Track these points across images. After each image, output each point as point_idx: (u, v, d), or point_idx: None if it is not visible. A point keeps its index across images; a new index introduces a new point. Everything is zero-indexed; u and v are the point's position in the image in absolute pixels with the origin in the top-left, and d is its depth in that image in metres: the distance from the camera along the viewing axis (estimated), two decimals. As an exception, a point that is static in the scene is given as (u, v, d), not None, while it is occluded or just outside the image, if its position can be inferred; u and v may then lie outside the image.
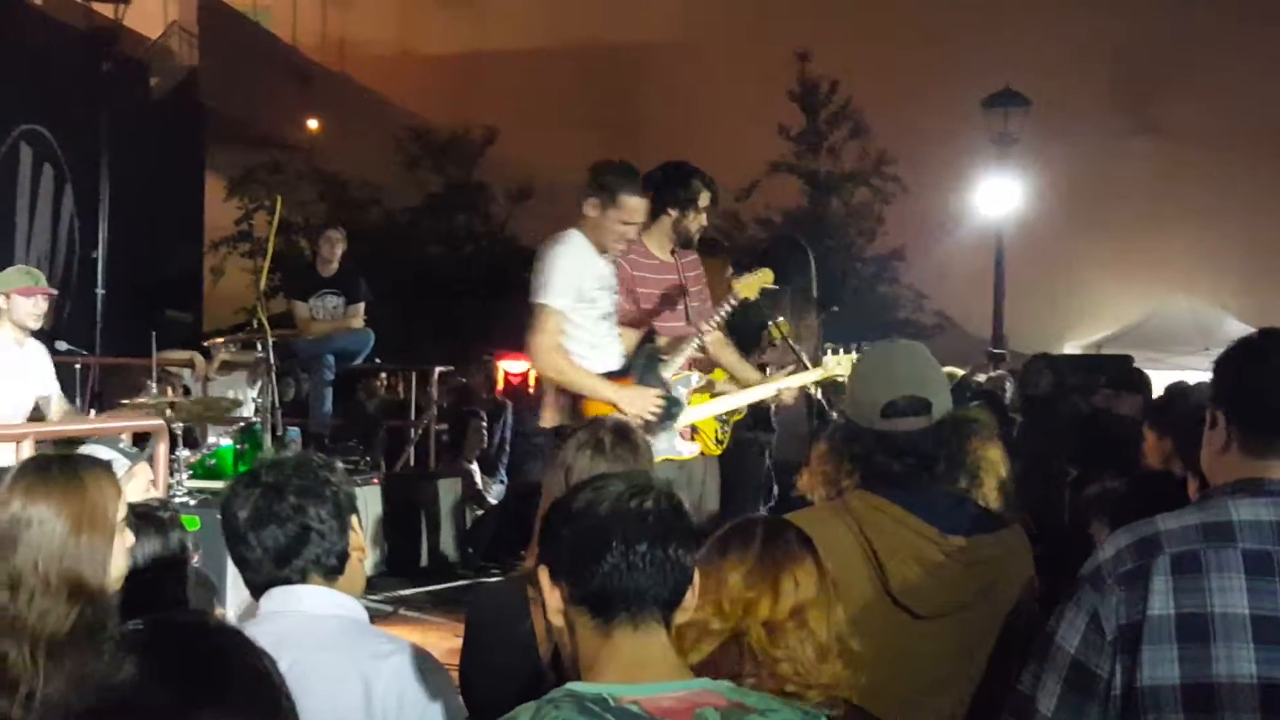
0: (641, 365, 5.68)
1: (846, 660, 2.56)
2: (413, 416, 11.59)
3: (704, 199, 6.25)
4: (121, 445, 4.22)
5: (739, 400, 6.38)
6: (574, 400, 5.54)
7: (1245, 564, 2.41)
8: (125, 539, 3.06)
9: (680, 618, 2.30)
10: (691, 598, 2.30)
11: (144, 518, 3.43)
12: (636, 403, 5.43)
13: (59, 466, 3.02)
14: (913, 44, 26.10)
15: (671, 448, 5.71)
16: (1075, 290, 25.27)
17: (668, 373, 5.75)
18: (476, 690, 3.25)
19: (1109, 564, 2.51)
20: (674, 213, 6.17)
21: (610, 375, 5.58)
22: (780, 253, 7.04)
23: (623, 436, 3.47)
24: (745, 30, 27.19)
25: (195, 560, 3.62)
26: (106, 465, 3.16)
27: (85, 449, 4.17)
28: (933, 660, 2.99)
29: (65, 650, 2.79)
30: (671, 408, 5.63)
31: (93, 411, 7.91)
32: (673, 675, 2.24)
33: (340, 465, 3.09)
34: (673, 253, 6.27)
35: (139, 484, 4.14)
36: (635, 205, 5.63)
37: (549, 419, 5.61)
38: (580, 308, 5.57)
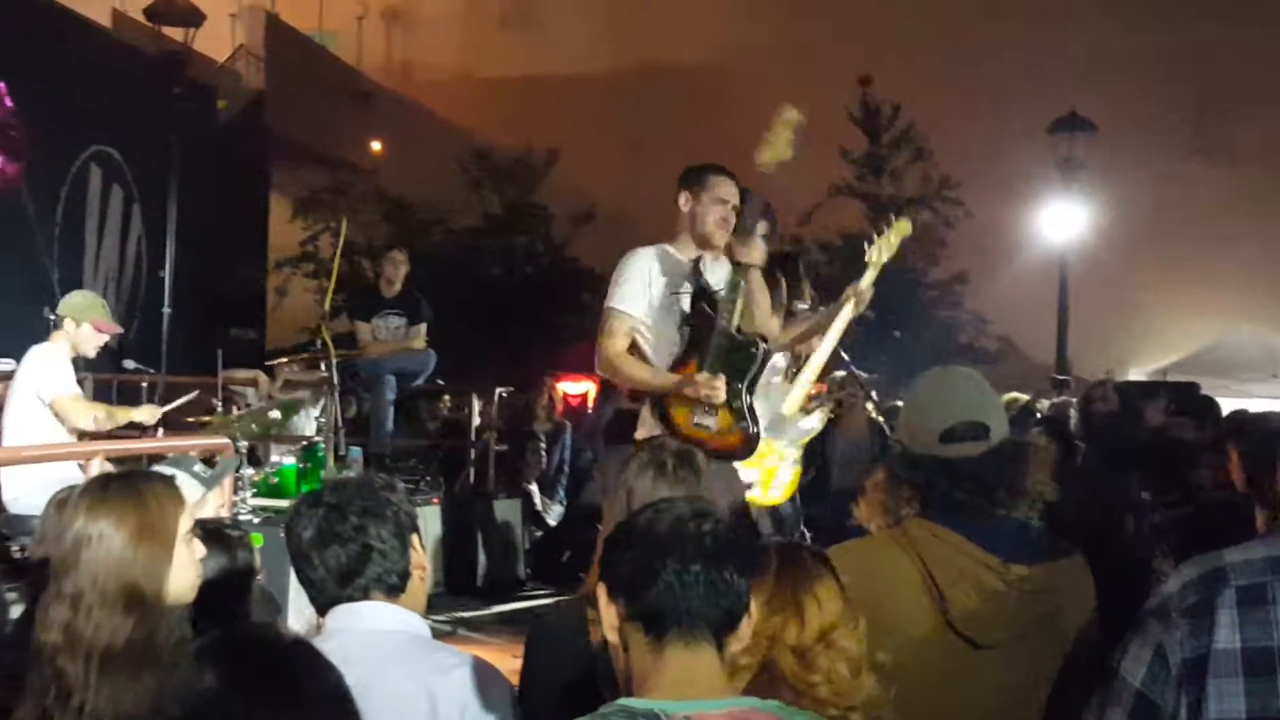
0: (711, 351, 5.39)
1: (877, 675, 2.57)
2: (473, 437, 11.64)
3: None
4: (197, 468, 4.26)
5: (822, 354, 6.29)
6: (662, 414, 5.35)
7: None
8: (195, 550, 3.09)
9: (735, 646, 2.32)
10: (747, 627, 2.33)
11: (211, 535, 3.48)
12: (695, 384, 5.22)
13: (118, 482, 3.07)
14: (977, 67, 25.94)
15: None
16: (1140, 316, 25.00)
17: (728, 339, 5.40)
18: (535, 708, 3.27)
19: (1174, 597, 2.49)
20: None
21: (680, 365, 5.41)
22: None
23: (685, 459, 3.49)
24: (808, 53, 27.14)
25: (260, 577, 3.67)
26: (168, 479, 3.19)
27: (161, 468, 4.22)
28: (993, 690, 2.97)
29: (119, 662, 2.83)
30: (741, 372, 5.37)
31: (160, 430, 8.02)
32: (722, 693, 2.28)
33: (401, 485, 3.12)
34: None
35: (210, 508, 4.19)
36: (724, 181, 5.58)
37: (643, 432, 5.48)
38: (654, 314, 5.47)
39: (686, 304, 5.48)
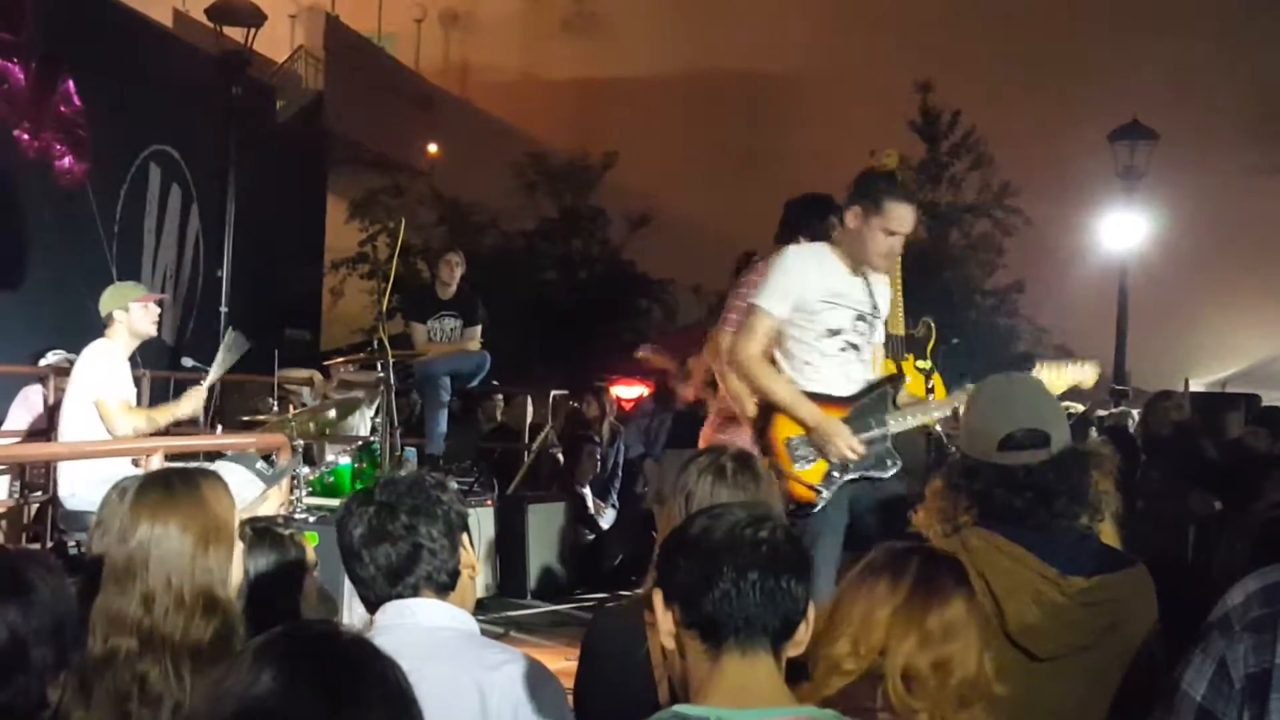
0: (867, 401, 5.13)
1: (988, 705, 2.49)
2: (526, 439, 11.65)
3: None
4: (259, 465, 4.27)
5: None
6: (764, 426, 5.12)
7: None
8: (238, 549, 3.13)
9: (792, 651, 2.31)
10: (805, 631, 2.31)
11: (262, 533, 3.49)
12: (833, 436, 4.92)
13: (181, 483, 3.08)
14: (1038, 75, 25.79)
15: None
16: (1200, 327, 24.76)
17: (894, 421, 5.12)
18: (590, 713, 3.26)
19: (1238, 610, 2.45)
20: (804, 242, 5.68)
21: (825, 400, 5.08)
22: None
23: (744, 464, 3.46)
24: (867, 60, 27.07)
25: (315, 575, 3.67)
26: (219, 477, 3.22)
27: (222, 465, 4.24)
28: (1052, 703, 2.93)
29: (206, 661, 2.86)
30: (878, 462, 5.05)
31: (218, 428, 8.08)
32: (778, 702, 2.26)
33: (453, 484, 3.12)
34: None
35: (272, 505, 4.21)
36: (902, 213, 5.13)
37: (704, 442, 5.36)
38: (798, 319, 5.15)
39: (839, 319, 5.17)
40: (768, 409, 5.11)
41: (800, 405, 5.02)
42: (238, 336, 7.84)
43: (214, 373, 7.74)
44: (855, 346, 5.18)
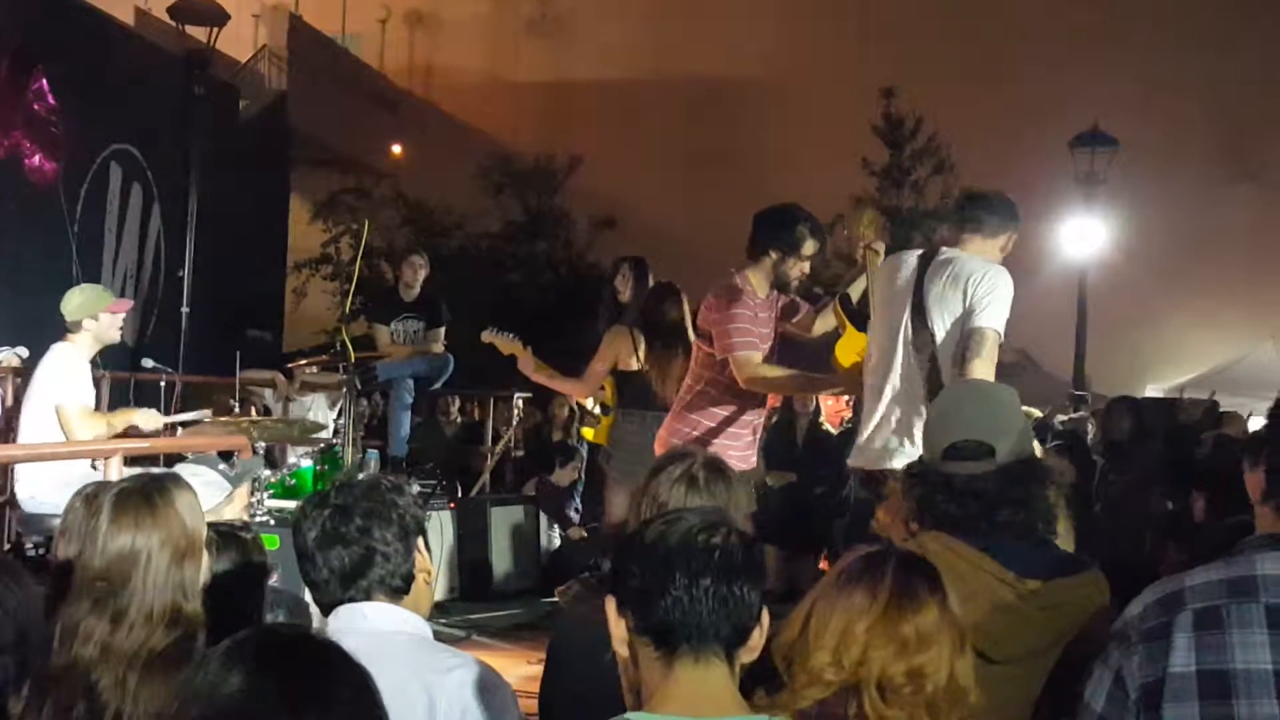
0: None
1: (963, 713, 2.48)
2: (489, 442, 11.64)
3: (809, 247, 6.12)
4: (222, 467, 4.26)
5: None
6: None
7: (1268, 619, 2.38)
8: (205, 557, 3.15)
9: (746, 657, 2.31)
10: (759, 637, 2.30)
11: (225, 537, 3.49)
12: None
13: (159, 495, 3.09)
14: (1000, 82, 25.95)
15: None
16: (1158, 333, 24.96)
17: None
18: (557, 717, 3.26)
19: (1134, 621, 2.51)
20: (775, 255, 6.07)
21: None
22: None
23: (716, 470, 3.45)
24: (831, 66, 27.18)
25: (274, 579, 3.67)
26: (191, 487, 3.22)
27: (186, 467, 4.23)
28: (1005, 706, 2.95)
29: (155, 670, 2.86)
30: None
31: (179, 430, 8.04)
32: (731, 710, 2.26)
33: (412, 488, 3.11)
34: (768, 295, 6.20)
35: (237, 507, 4.21)
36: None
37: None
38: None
39: None
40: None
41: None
42: (209, 414, 8.04)
43: (177, 418, 7.79)
44: None
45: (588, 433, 9.69)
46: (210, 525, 3.37)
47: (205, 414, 8.22)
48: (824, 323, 6.25)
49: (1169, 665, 2.40)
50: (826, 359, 6.02)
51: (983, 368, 5.08)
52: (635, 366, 7.63)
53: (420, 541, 3.02)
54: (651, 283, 8.24)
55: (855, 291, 5.97)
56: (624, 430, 7.58)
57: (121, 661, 2.89)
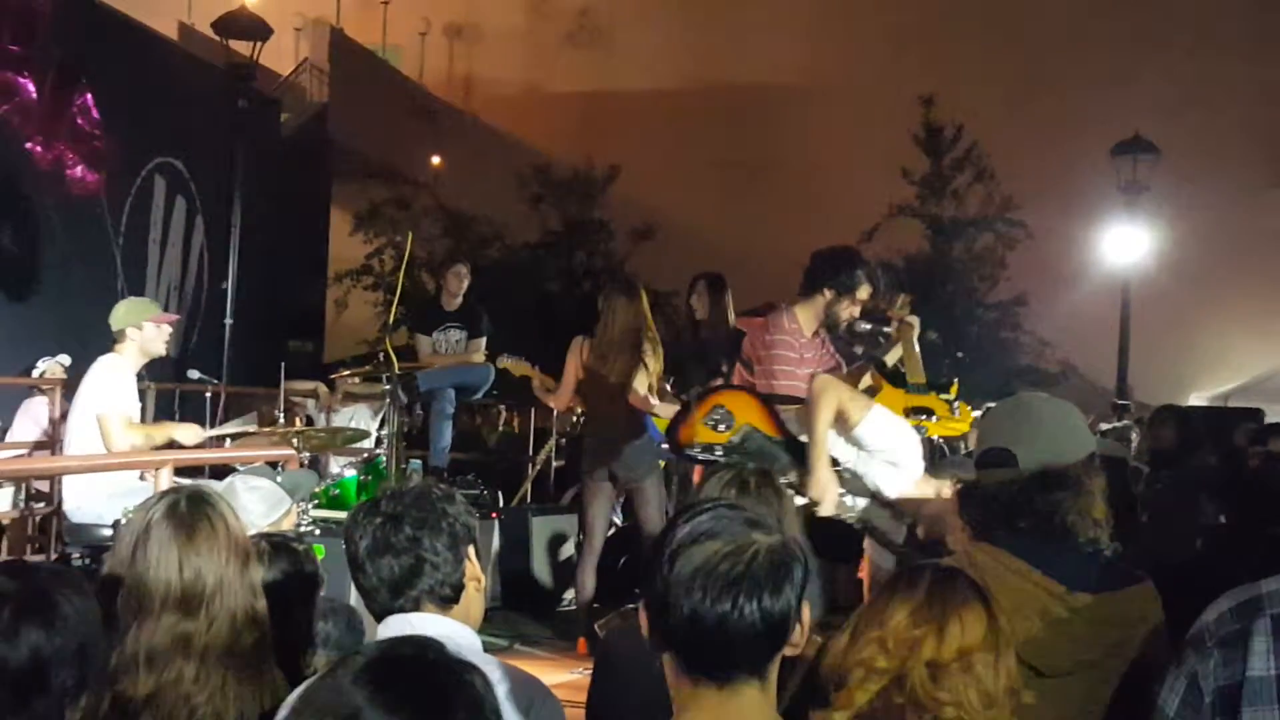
0: None
1: (1016, 711, 2.47)
2: (530, 451, 11.66)
3: (863, 292, 6.31)
4: (280, 479, 4.30)
5: None
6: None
7: None
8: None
9: (789, 652, 2.25)
10: (800, 634, 2.25)
11: (278, 547, 3.52)
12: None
13: (211, 508, 3.14)
14: (1041, 89, 25.84)
15: None
16: (1202, 341, 24.79)
17: None
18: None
19: (1211, 626, 2.52)
20: (829, 294, 6.23)
21: None
22: None
23: (766, 479, 3.47)
24: (870, 74, 27.12)
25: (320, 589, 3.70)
26: (222, 496, 3.28)
27: (243, 478, 4.27)
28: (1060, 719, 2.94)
29: (245, 670, 2.97)
30: None
31: (228, 441, 8.10)
32: None
33: (460, 495, 3.12)
34: (816, 333, 6.35)
35: (290, 520, 4.24)
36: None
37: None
38: None
39: None
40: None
41: None
42: (254, 416, 8.13)
43: (219, 430, 7.85)
44: None
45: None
46: (264, 536, 3.40)
47: (250, 422, 8.27)
48: (855, 380, 6.38)
49: (1248, 669, 2.41)
50: None
51: None
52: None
53: (471, 550, 3.02)
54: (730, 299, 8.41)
55: (891, 358, 6.36)
56: (586, 432, 7.96)
57: (217, 668, 2.94)
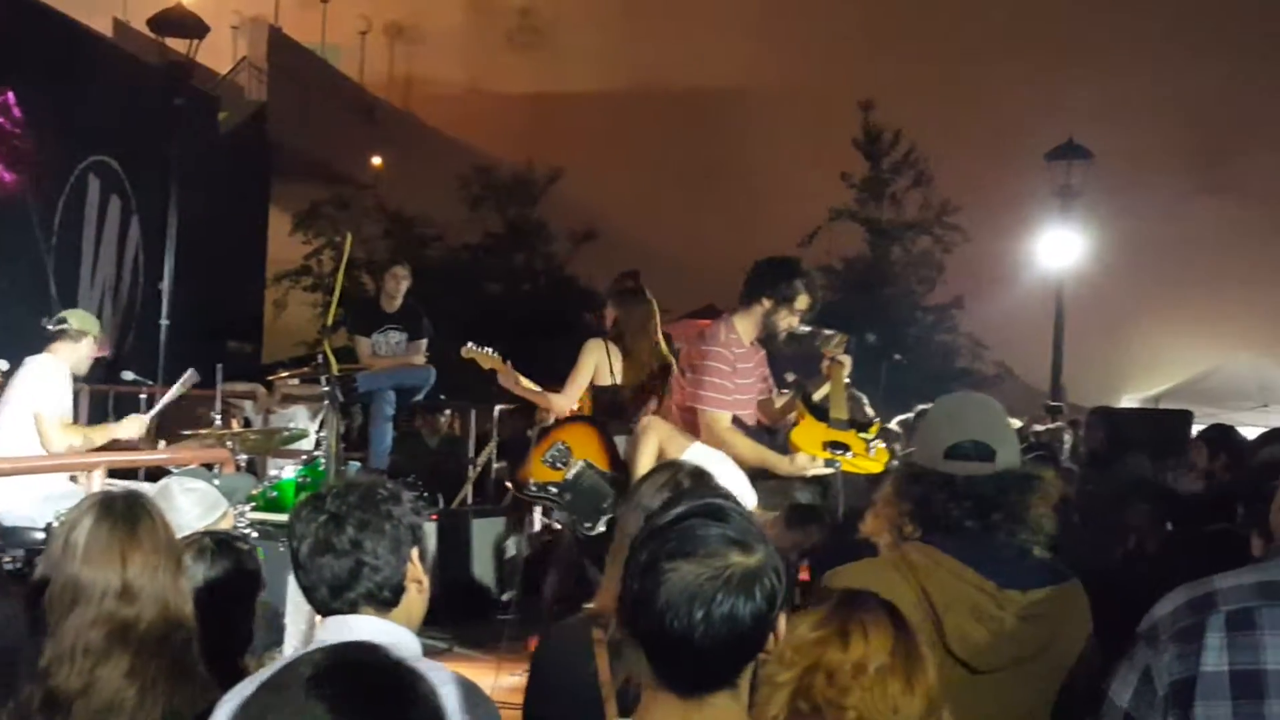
0: None
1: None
2: (471, 453, 11.63)
3: (802, 301, 6.31)
4: (217, 481, 4.27)
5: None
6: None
7: None
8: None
9: (764, 659, 2.26)
10: (773, 643, 2.25)
11: (222, 545, 3.51)
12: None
13: (142, 508, 3.13)
14: (977, 94, 26.09)
15: None
16: (1134, 343, 25.09)
17: None
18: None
19: (1164, 621, 2.55)
20: (768, 304, 6.24)
21: None
22: None
23: (700, 479, 3.47)
24: (811, 78, 27.26)
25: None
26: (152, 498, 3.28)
27: (179, 480, 4.24)
28: (990, 716, 2.97)
29: (165, 677, 2.92)
30: None
31: (161, 442, 8.03)
32: None
33: (408, 495, 3.09)
34: (755, 342, 6.38)
35: (227, 523, 4.22)
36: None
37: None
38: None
39: None
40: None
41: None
42: (193, 374, 7.86)
43: (160, 403, 7.73)
44: None
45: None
46: (208, 533, 3.39)
47: (188, 375, 8.06)
48: (782, 408, 6.55)
49: (1201, 664, 2.44)
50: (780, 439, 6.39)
51: None
52: (610, 381, 7.66)
53: (415, 552, 3.01)
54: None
55: (818, 394, 6.42)
56: None
57: (148, 665, 2.94)
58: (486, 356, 8.02)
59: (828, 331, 6.45)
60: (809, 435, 6.10)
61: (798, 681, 2.35)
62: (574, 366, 7.79)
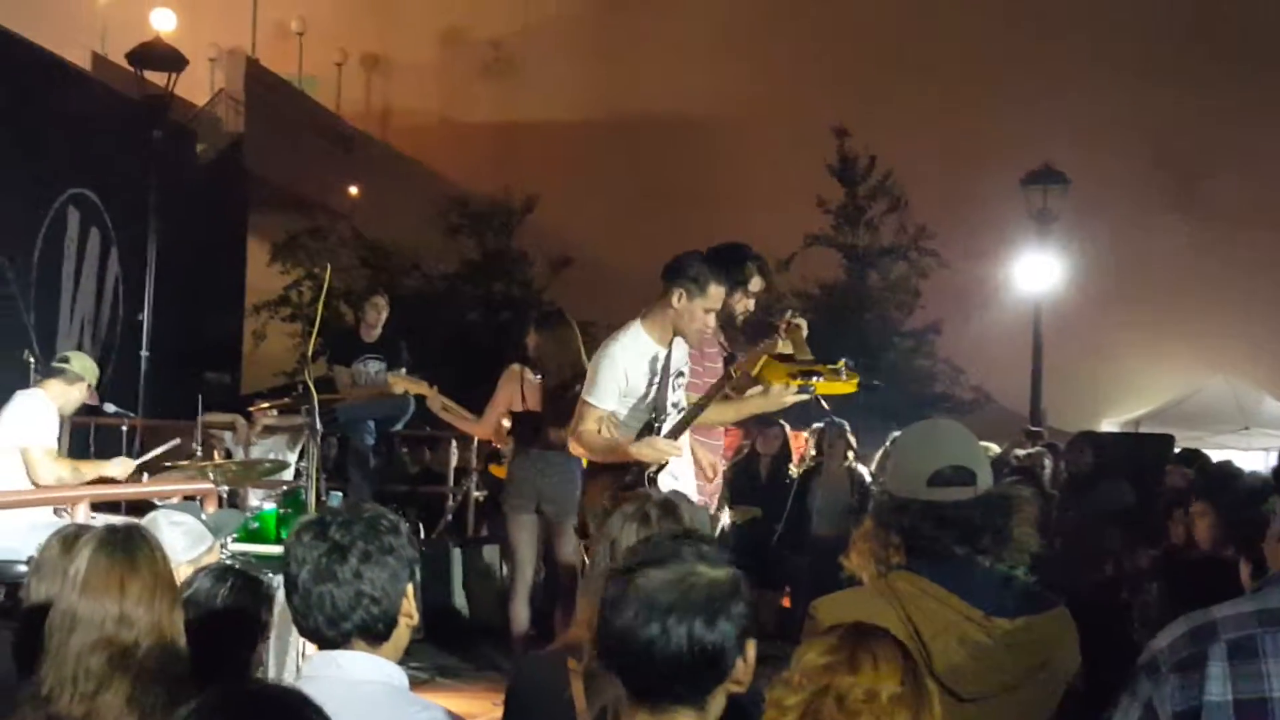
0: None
1: None
2: (451, 482, 11.63)
3: (755, 283, 6.29)
4: (204, 516, 4.27)
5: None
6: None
7: None
8: None
9: (733, 689, 2.29)
10: (743, 669, 2.28)
11: (246, 579, 3.53)
12: (647, 451, 5.55)
13: (145, 541, 3.14)
14: (952, 120, 26.18)
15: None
16: (1114, 367, 25.14)
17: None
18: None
19: (1165, 652, 2.53)
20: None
21: None
22: None
23: (668, 510, 3.49)
24: (786, 104, 27.34)
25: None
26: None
27: (167, 514, 4.24)
28: (980, 743, 2.99)
29: (160, 708, 2.92)
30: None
31: (144, 475, 8.02)
32: None
33: (406, 526, 3.09)
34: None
35: (213, 557, 4.22)
36: (721, 292, 5.75)
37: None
38: (626, 402, 5.76)
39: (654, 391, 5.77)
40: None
41: (620, 444, 5.67)
42: (179, 442, 8.03)
43: (148, 456, 7.80)
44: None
45: (498, 471, 9.80)
46: (231, 565, 3.41)
47: (172, 444, 8.18)
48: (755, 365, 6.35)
49: (1205, 695, 2.43)
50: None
51: (573, 426, 5.91)
52: (523, 406, 7.79)
53: (410, 587, 3.01)
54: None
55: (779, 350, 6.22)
56: (515, 466, 7.79)
57: (149, 693, 2.96)
58: (415, 384, 8.21)
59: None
60: (774, 373, 5.98)
61: (805, 705, 2.37)
62: (492, 395, 7.97)
